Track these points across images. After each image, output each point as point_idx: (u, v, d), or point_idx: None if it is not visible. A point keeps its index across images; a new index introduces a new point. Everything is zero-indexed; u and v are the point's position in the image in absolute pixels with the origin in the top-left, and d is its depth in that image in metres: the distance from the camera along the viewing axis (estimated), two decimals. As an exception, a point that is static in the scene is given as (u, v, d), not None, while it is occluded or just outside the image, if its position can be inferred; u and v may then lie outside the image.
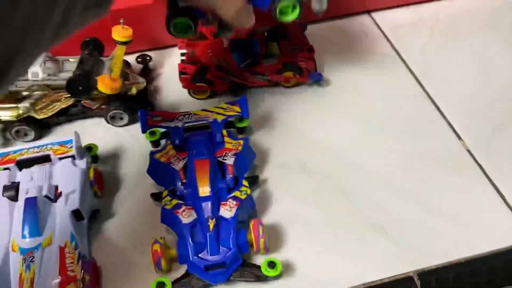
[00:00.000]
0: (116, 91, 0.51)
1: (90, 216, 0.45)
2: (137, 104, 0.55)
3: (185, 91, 0.58)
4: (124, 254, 0.43)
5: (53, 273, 0.38)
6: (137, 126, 0.52)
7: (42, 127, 0.54)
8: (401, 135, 0.52)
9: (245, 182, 0.44)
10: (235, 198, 0.42)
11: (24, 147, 0.47)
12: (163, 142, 0.50)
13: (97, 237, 0.44)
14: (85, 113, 0.55)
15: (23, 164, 0.46)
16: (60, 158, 0.46)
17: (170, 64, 0.63)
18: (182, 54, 0.60)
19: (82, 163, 0.46)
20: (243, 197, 0.43)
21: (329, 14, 0.58)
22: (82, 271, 0.39)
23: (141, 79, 0.56)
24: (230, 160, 0.45)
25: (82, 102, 0.54)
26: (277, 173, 0.49)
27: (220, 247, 0.40)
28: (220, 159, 0.46)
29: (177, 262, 0.41)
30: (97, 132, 0.54)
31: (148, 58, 0.62)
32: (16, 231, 0.41)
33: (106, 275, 0.42)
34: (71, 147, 0.47)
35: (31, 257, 0.39)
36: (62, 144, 0.47)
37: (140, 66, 0.61)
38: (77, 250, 0.40)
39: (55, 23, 0.25)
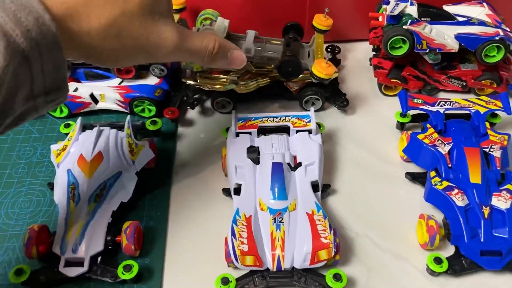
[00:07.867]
0: (329, 76, 0.51)
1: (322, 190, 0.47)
2: (330, 92, 0.56)
3: (368, 84, 0.59)
4: (351, 230, 0.45)
5: (303, 237, 0.41)
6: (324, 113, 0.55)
7: (237, 102, 0.56)
8: None
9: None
10: (509, 191, 0.42)
11: (263, 115, 0.51)
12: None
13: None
14: (280, 95, 0.56)
15: (261, 131, 0.50)
16: (297, 131, 0.49)
17: (353, 57, 0.64)
18: (374, 49, 0.60)
19: (318, 138, 0.48)
20: (516, 191, 0.42)
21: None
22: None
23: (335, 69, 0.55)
24: (497, 153, 0.45)
25: (284, 83, 0.55)
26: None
27: (494, 235, 0.40)
28: (486, 150, 0.45)
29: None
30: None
31: (337, 49, 0.63)
32: (262, 192, 0.44)
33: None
34: (308, 121, 0.49)
35: (280, 218, 0.42)
36: (299, 117, 0.50)
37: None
38: (326, 219, 0.42)
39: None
